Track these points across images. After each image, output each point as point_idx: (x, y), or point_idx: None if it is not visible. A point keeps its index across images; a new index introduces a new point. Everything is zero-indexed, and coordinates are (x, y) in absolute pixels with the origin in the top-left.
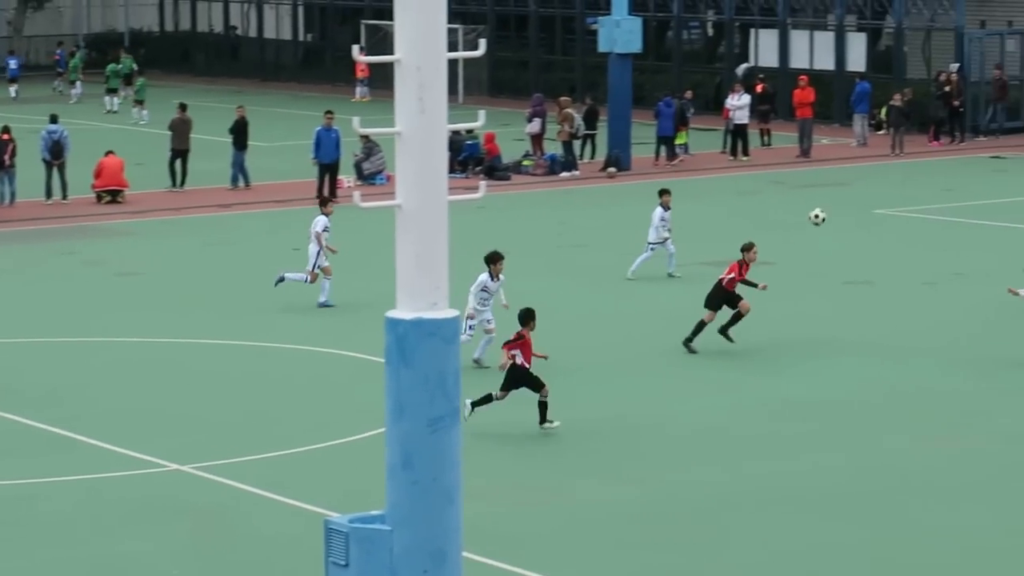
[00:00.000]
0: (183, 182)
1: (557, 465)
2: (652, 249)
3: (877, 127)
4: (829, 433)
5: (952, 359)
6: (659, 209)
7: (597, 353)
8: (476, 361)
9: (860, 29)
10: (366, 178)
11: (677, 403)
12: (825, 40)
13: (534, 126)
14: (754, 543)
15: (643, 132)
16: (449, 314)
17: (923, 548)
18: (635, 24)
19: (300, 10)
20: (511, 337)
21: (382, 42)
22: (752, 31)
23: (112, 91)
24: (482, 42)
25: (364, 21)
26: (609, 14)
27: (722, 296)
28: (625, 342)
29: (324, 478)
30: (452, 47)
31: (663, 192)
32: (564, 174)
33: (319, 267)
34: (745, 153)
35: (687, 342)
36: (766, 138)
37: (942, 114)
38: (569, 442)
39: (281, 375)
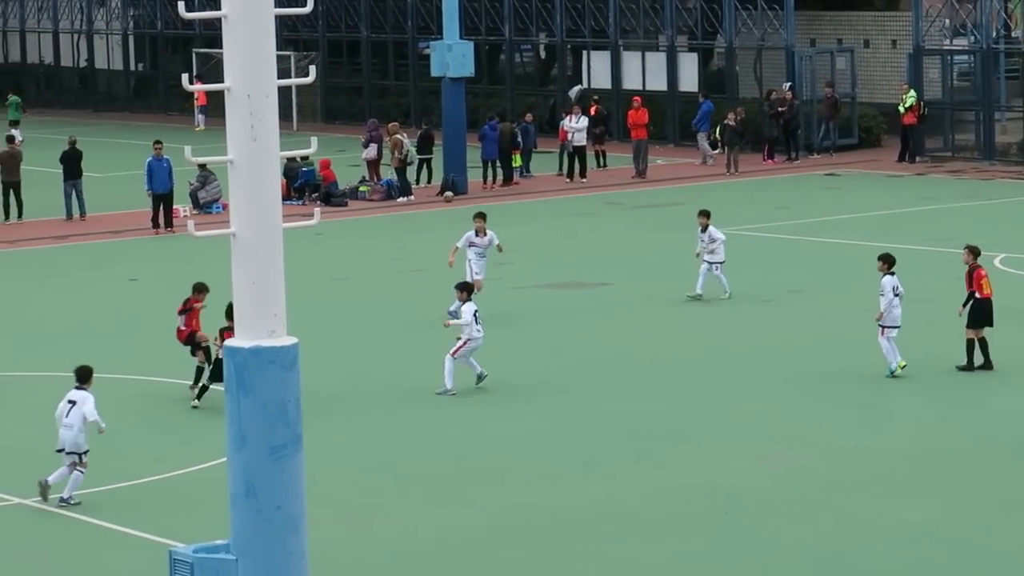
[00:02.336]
0: (20, 214)
1: (400, 489)
2: (711, 267)
3: (712, 146)
4: (662, 454)
5: (788, 376)
6: (698, 230)
7: (429, 378)
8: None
9: (691, 49)
10: (202, 207)
11: (508, 427)
12: (657, 61)
13: (370, 152)
14: (595, 565)
15: (478, 156)
16: (287, 341)
17: (753, 562)
18: (467, 48)
19: (131, 40)
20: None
21: (215, 70)
22: (584, 53)
23: (14, 123)
24: (312, 68)
25: (195, 49)
26: (441, 38)
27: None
28: (457, 366)
29: (168, 508)
30: (285, 74)
31: (701, 213)
32: (401, 199)
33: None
34: (583, 175)
35: (967, 368)
36: (602, 159)
37: (776, 133)
38: (411, 468)
39: (122, 406)
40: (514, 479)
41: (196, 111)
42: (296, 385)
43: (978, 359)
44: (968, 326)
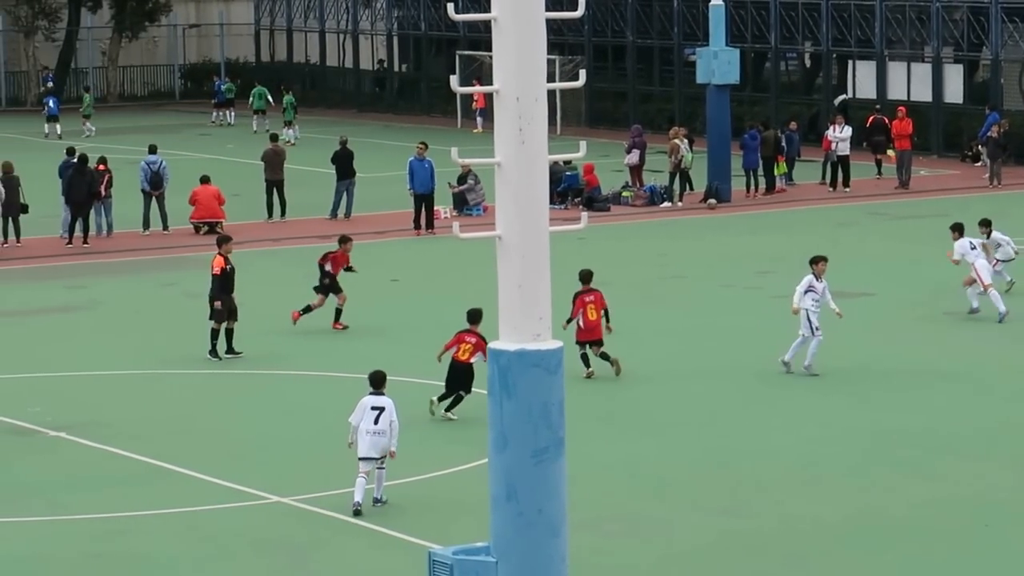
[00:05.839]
0: (283, 212)
1: (662, 497)
2: None
3: (974, 159)
4: (927, 465)
5: None
6: None
7: (694, 385)
8: (786, 363)
9: (957, 60)
10: (464, 208)
11: (771, 435)
12: (922, 72)
13: (633, 157)
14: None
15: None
16: (552, 345)
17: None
18: (733, 55)
19: (395, 41)
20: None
21: (478, 72)
22: (849, 62)
23: (288, 123)
24: (582, 72)
25: (459, 52)
26: (707, 45)
27: None
28: (722, 373)
29: (425, 509)
30: (550, 78)
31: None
32: (665, 204)
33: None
34: (846, 184)
35: None
36: (880, 169)
37: None
38: (673, 474)
39: None
40: (776, 486)
41: (476, 114)
42: (560, 389)
43: None
44: None
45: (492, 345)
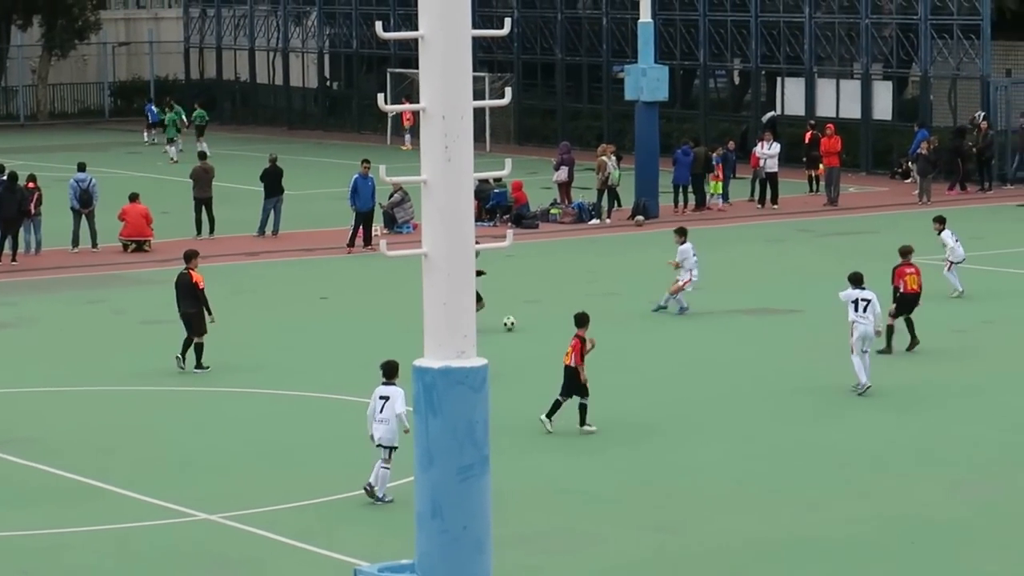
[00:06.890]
0: (212, 230)
1: (595, 513)
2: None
3: (904, 176)
4: (858, 482)
5: (984, 408)
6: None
7: (624, 401)
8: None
9: (886, 77)
10: (394, 226)
11: (701, 452)
12: (851, 88)
13: (561, 174)
14: None
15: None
16: (477, 362)
17: None
18: (662, 72)
19: (326, 58)
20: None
21: (408, 90)
22: (779, 79)
23: (170, 140)
24: (508, 91)
25: (390, 70)
26: (635, 62)
27: None
28: (653, 389)
29: (353, 527)
30: (479, 95)
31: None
32: (593, 221)
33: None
34: (774, 201)
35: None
36: (815, 184)
37: (970, 164)
38: (605, 490)
39: (309, 423)
40: (709, 503)
41: (406, 131)
42: (485, 406)
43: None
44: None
45: (416, 363)
